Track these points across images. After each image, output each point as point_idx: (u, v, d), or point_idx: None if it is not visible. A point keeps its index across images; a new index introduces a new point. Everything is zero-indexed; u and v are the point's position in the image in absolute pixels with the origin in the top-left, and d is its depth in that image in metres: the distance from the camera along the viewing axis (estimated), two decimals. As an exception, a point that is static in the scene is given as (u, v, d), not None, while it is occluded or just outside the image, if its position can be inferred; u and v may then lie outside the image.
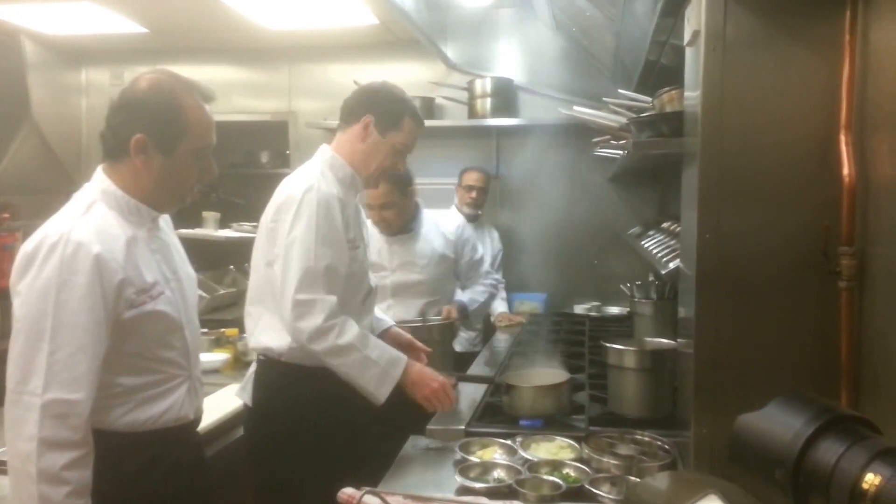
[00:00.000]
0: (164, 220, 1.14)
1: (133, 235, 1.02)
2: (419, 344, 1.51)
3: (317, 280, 1.24)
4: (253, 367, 1.40)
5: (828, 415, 0.62)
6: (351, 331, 1.25)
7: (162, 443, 1.04)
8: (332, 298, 1.25)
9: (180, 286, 1.09)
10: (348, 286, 1.32)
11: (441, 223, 2.10)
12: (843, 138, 0.93)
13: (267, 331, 1.33)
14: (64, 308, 0.93)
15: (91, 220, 0.99)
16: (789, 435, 0.63)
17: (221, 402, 1.70)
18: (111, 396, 0.99)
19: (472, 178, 2.58)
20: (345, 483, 1.00)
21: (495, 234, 2.74)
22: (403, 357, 1.31)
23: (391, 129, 1.36)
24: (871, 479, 0.56)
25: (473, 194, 2.56)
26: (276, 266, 1.28)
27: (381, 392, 1.26)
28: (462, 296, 2.13)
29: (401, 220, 1.96)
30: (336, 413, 1.31)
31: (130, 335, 1.00)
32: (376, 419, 1.40)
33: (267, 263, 1.32)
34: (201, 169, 1.07)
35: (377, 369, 1.25)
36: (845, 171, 0.92)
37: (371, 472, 1.11)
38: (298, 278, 1.23)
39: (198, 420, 1.15)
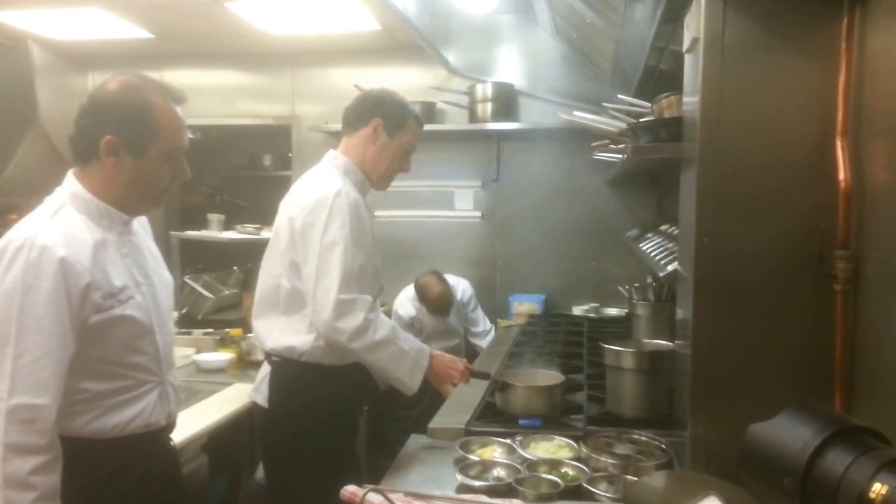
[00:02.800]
0: (140, 224, 1.12)
1: (102, 239, 1.00)
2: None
3: (353, 280, 1.27)
4: (265, 369, 1.40)
5: (837, 425, 0.63)
6: (385, 325, 1.31)
7: (131, 449, 1.02)
8: (368, 297, 1.29)
9: (152, 291, 1.07)
10: (369, 286, 1.35)
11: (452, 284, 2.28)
12: (839, 144, 0.94)
13: (287, 332, 1.34)
14: (28, 312, 0.92)
15: (57, 224, 0.97)
16: (798, 444, 0.63)
17: (226, 401, 1.72)
18: (77, 402, 0.98)
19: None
20: (351, 479, 1.02)
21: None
22: (427, 347, 1.37)
23: (398, 131, 1.41)
24: (878, 489, 0.56)
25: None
26: (308, 268, 1.29)
27: (414, 381, 1.32)
28: None
29: None
30: (351, 410, 1.34)
31: (97, 340, 0.98)
32: (388, 417, 1.42)
33: (291, 264, 1.32)
34: (173, 171, 1.05)
35: (409, 360, 1.31)
36: (841, 175, 0.93)
37: (375, 470, 1.13)
38: (340, 279, 1.26)
39: (171, 426, 1.12)
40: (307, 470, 1.31)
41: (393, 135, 1.40)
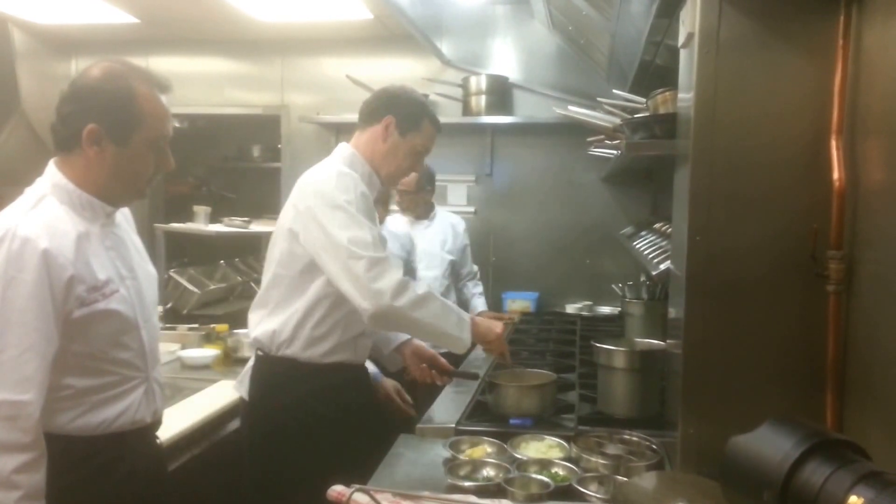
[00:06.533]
0: (123, 216, 1.10)
1: (85, 231, 0.98)
2: (443, 360, 1.51)
3: (376, 243, 1.23)
4: (251, 362, 1.39)
5: (816, 438, 0.63)
6: (421, 283, 1.29)
7: (117, 447, 1.00)
8: (399, 259, 1.26)
9: (137, 284, 1.05)
10: None
11: (452, 221, 2.15)
12: (833, 142, 0.94)
13: (271, 319, 1.32)
14: (10, 306, 0.90)
15: (39, 215, 0.95)
16: (778, 457, 0.63)
17: (212, 399, 1.68)
18: (61, 399, 0.96)
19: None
20: (338, 479, 1.00)
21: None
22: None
23: (411, 131, 1.37)
24: (854, 501, 0.57)
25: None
26: (323, 239, 1.23)
27: (465, 335, 1.27)
28: (479, 302, 2.26)
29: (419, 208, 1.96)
30: (331, 409, 1.31)
31: (81, 335, 0.96)
32: (369, 415, 1.39)
33: (290, 250, 1.29)
34: (157, 160, 1.02)
35: (455, 314, 1.27)
36: (835, 175, 0.93)
37: (363, 469, 1.11)
38: (361, 243, 1.21)
39: (156, 424, 1.10)
40: (287, 467, 1.29)
41: (405, 134, 1.37)
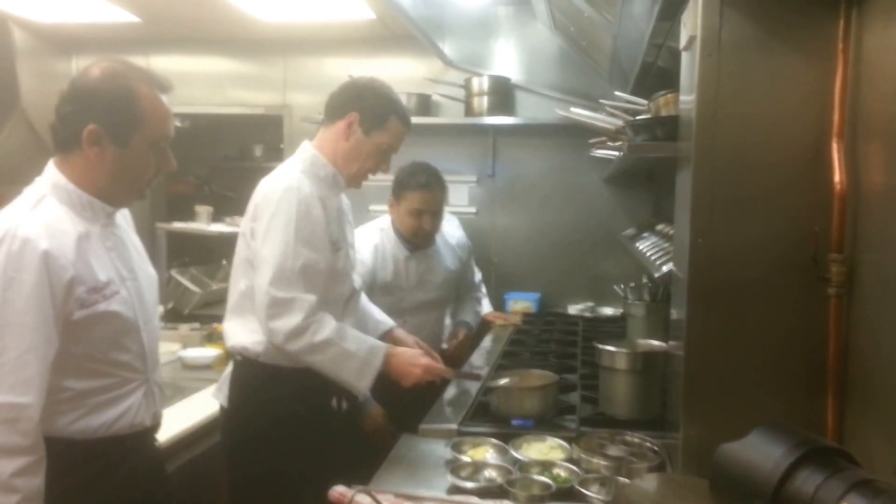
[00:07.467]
0: (123, 216, 1.10)
1: (85, 232, 0.98)
2: (424, 346, 1.49)
3: (294, 279, 1.21)
4: (229, 368, 1.38)
5: (807, 446, 0.63)
6: (328, 326, 1.23)
7: (116, 450, 1.00)
8: (311, 297, 1.22)
9: (137, 286, 1.05)
10: (330, 287, 1.29)
11: (447, 233, 2.04)
12: (834, 145, 0.94)
13: (244, 331, 1.31)
14: (10, 307, 0.89)
15: (40, 216, 0.94)
16: (769, 465, 0.63)
17: (213, 399, 1.69)
18: (60, 401, 0.95)
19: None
20: (321, 484, 0.99)
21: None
22: (383, 346, 1.28)
23: (376, 129, 1.31)
24: None
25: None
26: (257, 255, 1.25)
27: (362, 384, 1.24)
28: (463, 315, 2.12)
29: (438, 228, 1.88)
30: (312, 414, 1.30)
31: (81, 336, 0.96)
32: (350, 416, 1.38)
33: (246, 261, 1.30)
34: (158, 161, 1.02)
35: (357, 361, 1.24)
36: (836, 178, 0.93)
37: (350, 473, 1.09)
38: (273, 277, 1.20)
39: (156, 427, 1.10)
40: (268, 472, 1.28)
41: (369, 132, 1.30)
